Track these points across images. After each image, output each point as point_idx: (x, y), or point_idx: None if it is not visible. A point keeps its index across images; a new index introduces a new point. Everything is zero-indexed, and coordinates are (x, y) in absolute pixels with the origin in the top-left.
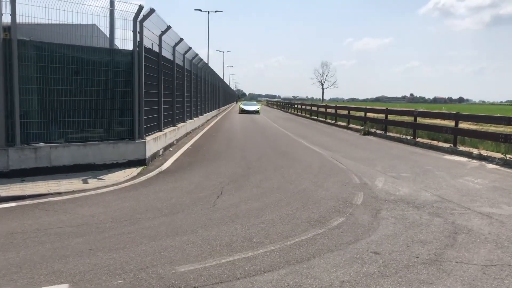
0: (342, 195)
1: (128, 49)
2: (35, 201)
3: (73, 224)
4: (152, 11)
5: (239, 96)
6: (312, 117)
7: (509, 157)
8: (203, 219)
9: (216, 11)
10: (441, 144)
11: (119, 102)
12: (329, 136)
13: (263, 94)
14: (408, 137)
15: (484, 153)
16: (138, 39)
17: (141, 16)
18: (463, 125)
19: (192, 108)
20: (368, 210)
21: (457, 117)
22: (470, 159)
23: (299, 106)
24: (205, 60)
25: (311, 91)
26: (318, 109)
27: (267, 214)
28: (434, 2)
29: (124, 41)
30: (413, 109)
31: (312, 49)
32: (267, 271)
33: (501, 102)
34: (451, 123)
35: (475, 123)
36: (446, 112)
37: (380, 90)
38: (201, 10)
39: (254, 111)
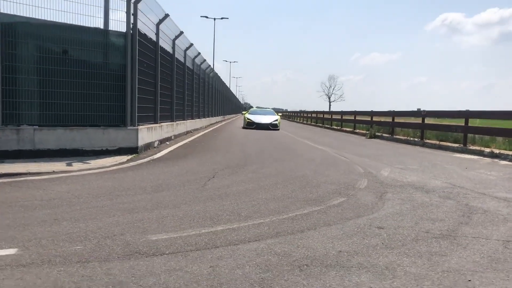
0: (344, 180)
1: (121, 31)
2: (10, 179)
3: (44, 199)
4: None
5: (246, 109)
6: (318, 124)
7: None
8: (189, 197)
9: (222, 18)
10: (450, 144)
11: (111, 86)
12: (334, 138)
13: (270, 107)
14: (416, 139)
15: (496, 151)
16: (132, 21)
17: None
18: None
19: (194, 108)
20: (372, 193)
21: (468, 115)
22: (481, 157)
23: (305, 115)
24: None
25: (318, 105)
26: (324, 116)
27: (260, 194)
28: (441, 18)
29: (118, 22)
30: (420, 110)
31: (319, 64)
32: (252, 241)
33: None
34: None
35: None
36: (456, 110)
37: (388, 104)
38: (207, 17)
39: (270, 124)
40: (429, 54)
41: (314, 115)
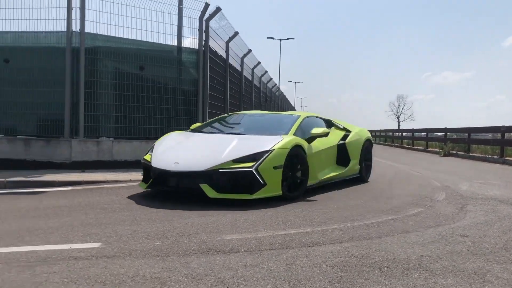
0: (419, 192)
1: (193, 47)
2: (91, 186)
3: (122, 202)
4: (218, 9)
5: None
6: (387, 143)
7: None
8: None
9: (288, 39)
10: None
11: (183, 100)
12: (405, 155)
13: None
14: (495, 156)
15: None
16: (204, 38)
17: (207, 15)
18: None
19: None
20: (451, 204)
21: None
22: None
23: (373, 133)
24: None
25: (386, 125)
26: (393, 134)
27: (331, 204)
28: None
29: (190, 40)
30: (500, 125)
31: (387, 84)
32: (327, 244)
33: None
34: None
35: None
36: None
37: (461, 124)
38: (273, 38)
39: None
40: (506, 71)
41: (383, 133)
